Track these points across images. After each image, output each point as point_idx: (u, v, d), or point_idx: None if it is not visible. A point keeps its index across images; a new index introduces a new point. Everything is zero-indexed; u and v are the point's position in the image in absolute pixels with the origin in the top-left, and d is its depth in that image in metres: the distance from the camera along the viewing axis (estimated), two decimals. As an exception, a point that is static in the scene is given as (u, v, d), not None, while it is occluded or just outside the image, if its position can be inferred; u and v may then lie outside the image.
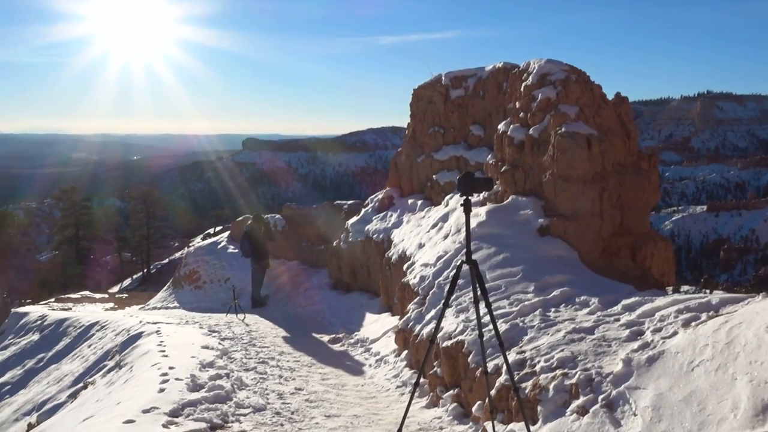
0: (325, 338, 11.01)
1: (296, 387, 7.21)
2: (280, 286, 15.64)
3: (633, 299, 5.96)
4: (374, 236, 12.38)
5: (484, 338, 5.14)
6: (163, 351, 8.09)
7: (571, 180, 7.56)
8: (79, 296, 24.06)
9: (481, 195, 9.72)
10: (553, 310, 6.23)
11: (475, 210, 9.12)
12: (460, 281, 5.10)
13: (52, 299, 23.19)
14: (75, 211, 51.92)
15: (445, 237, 9.23)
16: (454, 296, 7.52)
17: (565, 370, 4.92)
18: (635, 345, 4.91)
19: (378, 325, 10.61)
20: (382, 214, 12.76)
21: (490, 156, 9.70)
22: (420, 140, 12.14)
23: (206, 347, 8.72)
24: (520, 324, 6.05)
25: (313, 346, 10.38)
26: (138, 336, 10.35)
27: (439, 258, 8.64)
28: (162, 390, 5.91)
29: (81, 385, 9.56)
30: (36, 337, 15.39)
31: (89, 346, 12.39)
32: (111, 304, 21.77)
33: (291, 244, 16.80)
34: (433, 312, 7.63)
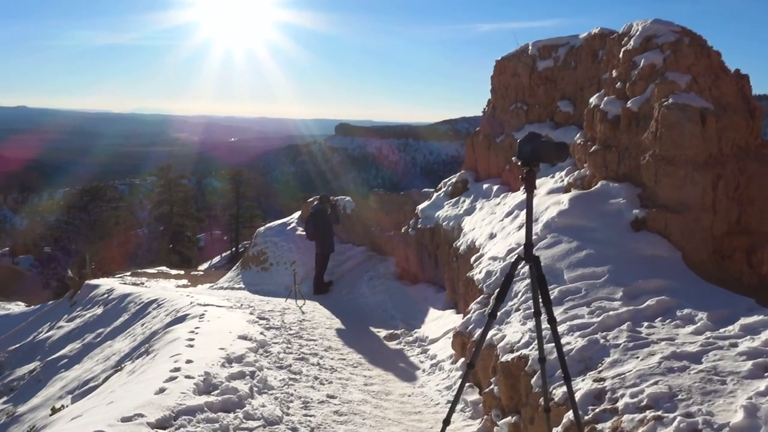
0: (382, 333, 9.94)
1: (329, 394, 6.15)
2: (346, 273, 14.70)
3: (757, 317, 4.52)
4: (444, 224, 11.16)
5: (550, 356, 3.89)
6: (192, 340, 7.24)
7: (677, 163, 6.08)
8: (156, 271, 24.14)
9: (558, 176, 8.33)
10: (645, 325, 4.86)
11: (556, 197, 7.74)
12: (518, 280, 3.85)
13: (129, 273, 23.35)
14: (170, 188, 53.44)
15: (520, 227, 7.91)
16: (522, 296, 6.26)
17: (659, 413, 3.60)
18: (762, 385, 3.53)
19: (439, 324, 9.43)
20: (454, 200, 11.52)
21: (578, 135, 8.27)
22: (500, 118, 10.79)
23: (244, 337, 7.83)
24: (601, 341, 4.72)
25: (366, 342, 9.32)
26: (182, 318, 9.66)
27: (510, 251, 7.36)
28: (162, 390, 4.98)
29: (114, 369, 8.94)
30: (99, 311, 15.18)
31: (142, 325, 11.87)
32: (185, 281, 21.63)
33: (360, 228, 15.81)
34: (501, 304, 6.35)
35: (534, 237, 7.04)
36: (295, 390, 6.05)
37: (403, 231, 12.88)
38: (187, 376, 5.47)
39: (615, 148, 7.05)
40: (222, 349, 6.86)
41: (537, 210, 7.73)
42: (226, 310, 10.36)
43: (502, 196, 9.94)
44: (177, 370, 5.65)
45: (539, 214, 7.54)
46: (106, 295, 16.11)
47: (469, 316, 7.02)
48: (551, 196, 7.94)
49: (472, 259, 8.61)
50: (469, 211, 10.59)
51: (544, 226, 7.13)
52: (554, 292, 5.69)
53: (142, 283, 19.99)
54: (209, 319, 9.05)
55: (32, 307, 27.38)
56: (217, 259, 52.87)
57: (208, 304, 10.88)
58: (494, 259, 7.61)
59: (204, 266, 44.50)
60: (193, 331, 7.71)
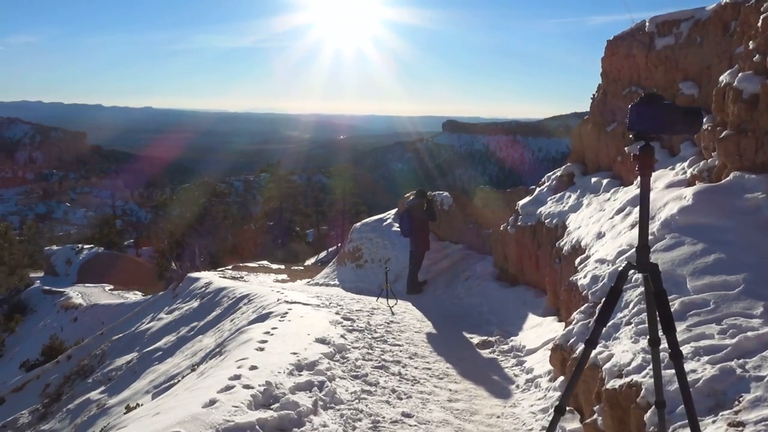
0: (475, 339, 9.12)
1: (405, 412, 5.44)
2: (441, 272, 13.94)
3: None
4: (546, 221, 10.17)
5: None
6: (264, 342, 6.76)
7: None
8: (257, 265, 24.41)
9: (679, 168, 7.19)
10: (797, 352, 3.81)
11: (677, 191, 6.64)
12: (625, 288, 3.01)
13: (230, 266, 23.71)
14: (280, 184, 54.77)
15: (632, 226, 6.86)
16: (635, 307, 5.29)
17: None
18: None
19: (538, 332, 8.50)
20: (558, 195, 10.49)
21: (705, 120, 7.08)
22: (612, 104, 9.66)
23: (322, 341, 7.28)
24: (738, 370, 3.73)
25: (457, 349, 8.54)
26: (265, 317, 9.30)
27: (620, 253, 6.35)
28: (212, 403, 4.46)
29: (191, 367, 8.67)
30: (196, 304, 15.27)
31: (231, 321, 11.68)
32: (284, 276, 21.67)
33: (457, 225, 14.99)
34: (603, 329, 5.41)
35: (650, 237, 6.02)
36: (366, 405, 5.39)
37: (501, 228, 11.96)
38: (246, 386, 4.94)
39: (752, 133, 5.88)
40: (294, 353, 6.33)
41: (654, 206, 6.66)
42: (311, 309, 9.91)
43: (612, 190, 8.85)
44: (237, 377, 5.14)
45: (656, 211, 6.49)
46: (203, 289, 16.23)
47: (570, 327, 6.10)
48: (671, 190, 6.83)
49: (577, 261, 7.63)
50: (575, 208, 9.55)
51: (662, 224, 6.08)
52: (674, 305, 4.70)
53: (241, 277, 20.15)
54: (291, 318, 8.60)
55: (147, 297, 28.59)
56: (323, 254, 53.57)
57: (294, 302, 10.49)
58: (602, 262, 6.62)
59: (311, 261, 45.09)
60: (268, 332, 7.24)
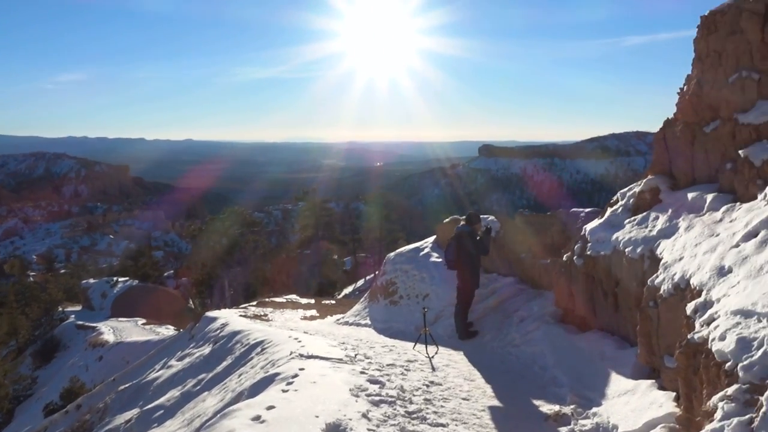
0: (543, 407, 6.91)
1: None
2: (489, 311, 11.72)
3: None
4: (626, 249, 7.94)
5: None
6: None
7: None
8: (284, 300, 22.45)
9: None
10: None
11: None
12: None
13: (254, 302, 21.80)
14: (315, 212, 53.32)
15: (787, 259, 4.63)
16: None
17: None
18: None
19: (633, 403, 6.24)
20: (639, 216, 8.27)
21: None
22: (710, 97, 7.46)
23: (336, 426, 5.18)
24: None
25: (522, 426, 6.34)
26: (270, 380, 7.30)
27: (781, 303, 4.12)
28: None
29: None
30: (207, 350, 13.34)
31: (239, 376, 9.73)
32: (313, 312, 19.66)
33: (507, 255, 12.79)
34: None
35: (832, 278, 3.80)
36: None
37: (565, 259, 9.74)
38: None
39: None
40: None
41: (822, 229, 4.44)
42: (330, 366, 7.84)
43: (724, 209, 6.61)
44: None
45: (831, 237, 4.27)
46: (218, 331, 14.31)
47: (714, 421, 3.88)
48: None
49: (690, 308, 5.41)
50: (668, 233, 7.31)
51: None
52: None
53: (265, 315, 18.18)
54: (298, 386, 6.54)
55: (173, 333, 26.87)
56: (361, 282, 51.74)
57: (311, 356, 8.44)
58: (747, 315, 4.40)
59: (349, 289, 43.23)
60: (259, 418, 5.16)
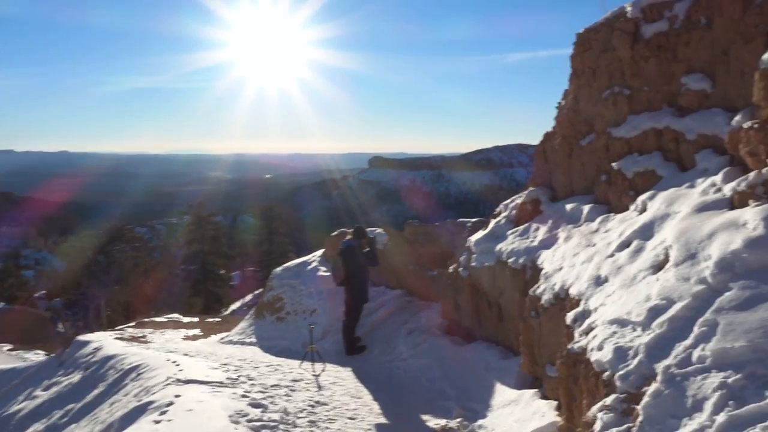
0: (431, 422, 6.80)
1: None
2: (377, 325, 11.59)
3: None
4: (510, 260, 8.05)
5: None
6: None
7: None
8: (166, 320, 21.31)
9: (707, 183, 5.24)
10: None
11: (720, 216, 4.61)
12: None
13: (133, 323, 20.58)
14: (201, 226, 51.43)
15: (656, 268, 4.77)
16: (711, 407, 3.15)
17: None
18: None
19: (516, 413, 6.26)
20: (521, 227, 8.42)
21: (738, 117, 5.15)
22: (586, 112, 7.72)
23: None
24: None
25: (409, 444, 6.20)
26: (143, 409, 6.73)
27: (655, 312, 4.21)
28: None
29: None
30: (77, 378, 12.33)
31: (110, 405, 9.00)
32: (196, 331, 18.76)
33: (396, 267, 12.74)
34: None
35: (701, 287, 3.93)
36: None
37: (451, 270, 9.78)
38: None
39: None
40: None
41: (690, 238, 4.60)
42: (209, 392, 7.37)
43: (600, 219, 6.81)
44: None
45: (698, 246, 4.43)
46: (90, 356, 13.27)
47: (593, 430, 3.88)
48: (707, 215, 4.80)
49: (570, 317, 5.49)
50: (548, 243, 7.47)
51: (721, 267, 4.02)
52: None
53: (144, 337, 17.13)
54: (174, 414, 6.07)
55: (43, 359, 24.83)
56: (249, 297, 50.47)
57: (189, 381, 7.91)
58: (622, 324, 4.46)
59: (236, 305, 41.94)
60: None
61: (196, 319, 21.78)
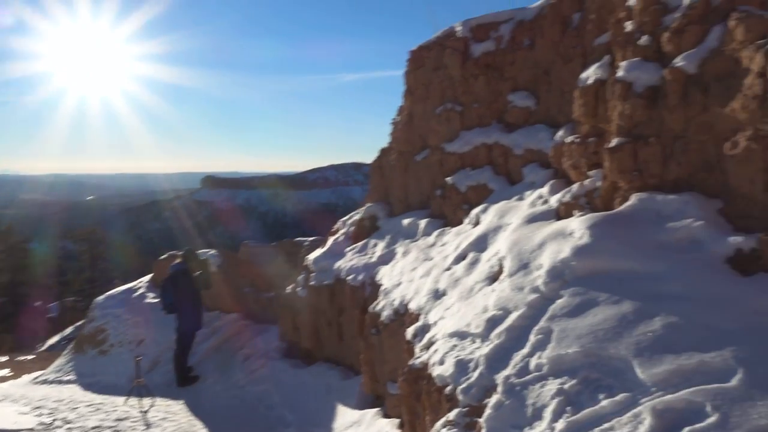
0: (271, 453, 6.43)
1: None
2: (211, 353, 10.95)
3: None
4: (348, 278, 7.93)
5: None
6: None
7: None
8: (-34, 360, 18.81)
9: (535, 195, 5.47)
10: None
11: (549, 226, 4.77)
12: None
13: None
14: (11, 253, 46.50)
15: (494, 279, 4.84)
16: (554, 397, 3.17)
17: None
18: None
19: (361, 435, 6.08)
20: (359, 244, 8.35)
21: (561, 133, 5.42)
22: (420, 127, 7.83)
23: None
24: None
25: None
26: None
27: (493, 322, 4.24)
28: None
29: None
30: None
31: None
32: (5, 371, 16.70)
33: (230, 290, 12.17)
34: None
35: (534, 296, 4.01)
36: None
37: (289, 291, 9.47)
38: None
39: (655, 139, 4.20)
40: None
41: (522, 249, 4.71)
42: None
43: (436, 233, 6.89)
44: None
45: (529, 257, 4.54)
46: None
47: (439, 451, 3.78)
48: (537, 226, 4.97)
49: (410, 332, 5.43)
50: (387, 259, 7.44)
51: (552, 275, 4.12)
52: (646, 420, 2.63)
53: (-63, 381, 14.94)
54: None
55: None
56: (69, 329, 46.34)
57: (-11, 429, 6.89)
58: (462, 336, 4.45)
59: (54, 339, 38.22)
60: None
61: (5, 358, 19.47)
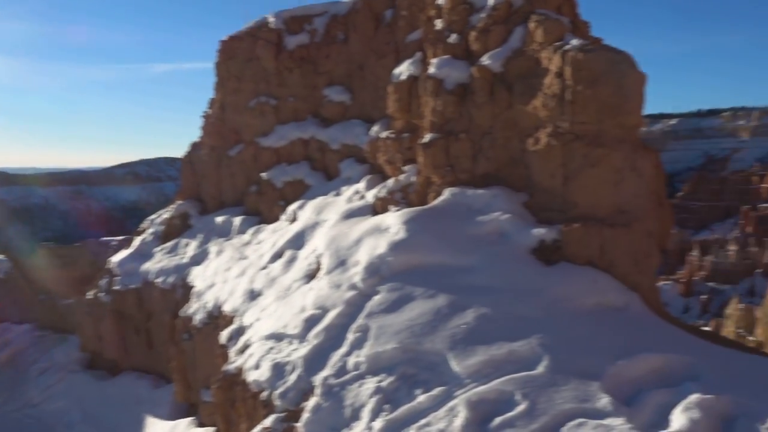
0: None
1: None
2: (0, 368, 9.73)
3: None
4: (158, 280, 7.43)
5: None
6: None
7: (607, 142, 3.54)
8: None
9: (352, 191, 5.46)
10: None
11: (366, 222, 4.77)
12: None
13: None
14: None
15: (312, 276, 4.73)
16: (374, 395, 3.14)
17: None
18: None
19: (174, 449, 5.68)
20: (170, 244, 7.86)
21: (376, 128, 5.44)
22: (234, 121, 7.52)
23: None
24: None
25: None
26: None
27: (311, 322, 4.14)
28: None
29: None
30: None
31: None
32: None
33: (23, 297, 10.90)
34: None
35: (352, 293, 3.97)
36: None
37: (90, 296, 8.67)
38: None
39: (466, 135, 4.33)
40: None
41: (339, 245, 4.64)
42: None
43: (252, 231, 6.67)
44: None
45: (347, 253, 4.48)
46: None
47: (255, 462, 3.58)
48: (353, 222, 4.94)
49: (225, 335, 5.16)
50: (200, 259, 7.07)
51: (370, 271, 4.11)
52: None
53: None
54: None
55: None
56: None
57: None
58: (279, 338, 4.29)
59: None
60: None
61: None
